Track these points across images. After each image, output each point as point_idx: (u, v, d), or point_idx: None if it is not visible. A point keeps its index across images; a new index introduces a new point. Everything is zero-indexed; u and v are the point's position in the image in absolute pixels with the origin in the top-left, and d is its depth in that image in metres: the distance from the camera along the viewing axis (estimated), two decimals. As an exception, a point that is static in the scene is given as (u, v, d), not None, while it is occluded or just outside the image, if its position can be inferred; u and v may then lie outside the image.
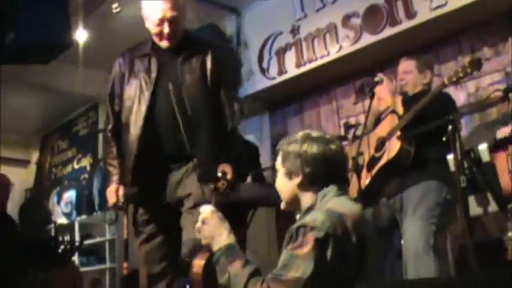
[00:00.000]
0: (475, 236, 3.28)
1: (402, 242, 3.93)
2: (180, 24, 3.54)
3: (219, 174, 2.90)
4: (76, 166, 10.01)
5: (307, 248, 2.09)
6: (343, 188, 2.46)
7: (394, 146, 3.94)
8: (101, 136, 9.03)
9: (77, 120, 10.03)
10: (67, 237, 6.65)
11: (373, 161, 4.04)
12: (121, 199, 3.53)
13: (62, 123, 10.40)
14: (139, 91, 3.53)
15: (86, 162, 9.74)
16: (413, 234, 3.74)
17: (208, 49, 3.61)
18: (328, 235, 2.11)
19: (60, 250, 5.91)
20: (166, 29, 3.48)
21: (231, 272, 2.21)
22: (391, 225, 4.15)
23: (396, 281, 4.02)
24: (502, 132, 3.95)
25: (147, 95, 3.49)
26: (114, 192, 3.56)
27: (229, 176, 3.03)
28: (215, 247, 2.33)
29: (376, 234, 4.03)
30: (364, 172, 4.03)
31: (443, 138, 3.58)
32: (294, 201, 2.47)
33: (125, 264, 4.51)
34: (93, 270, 8.45)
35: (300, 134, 2.49)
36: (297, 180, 2.40)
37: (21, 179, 10.19)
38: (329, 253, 2.10)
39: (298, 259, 2.09)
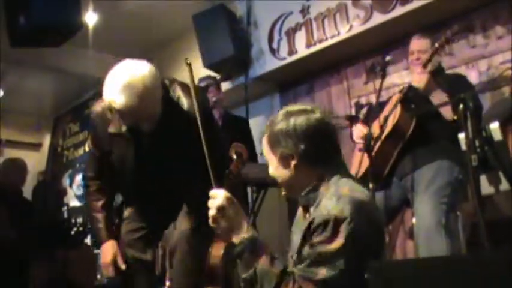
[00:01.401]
0: (486, 214, 3.26)
1: (414, 221, 3.94)
2: (147, 112, 3.06)
3: (234, 156, 2.82)
4: (87, 149, 10.04)
5: (337, 243, 2.01)
6: (344, 165, 2.38)
7: (395, 115, 3.97)
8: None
9: (88, 103, 10.04)
10: (80, 220, 6.69)
11: (378, 139, 4.05)
12: (121, 266, 3.28)
13: (73, 106, 10.44)
14: (124, 166, 3.29)
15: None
16: (425, 213, 3.74)
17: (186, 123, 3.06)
18: (357, 226, 2.04)
19: (72, 232, 5.96)
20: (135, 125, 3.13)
21: (258, 268, 2.09)
22: (402, 205, 4.16)
23: (408, 260, 4.02)
24: None
25: (130, 169, 3.27)
26: (109, 264, 3.27)
27: (245, 156, 2.89)
28: (236, 239, 2.17)
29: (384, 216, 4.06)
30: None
31: (455, 117, 3.57)
32: (295, 186, 2.33)
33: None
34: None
35: (280, 112, 2.36)
36: (294, 162, 2.27)
37: (34, 162, 10.25)
38: (357, 245, 2.03)
39: (328, 255, 2.01)
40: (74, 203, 9.19)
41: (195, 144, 2.68)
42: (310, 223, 2.13)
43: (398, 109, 3.99)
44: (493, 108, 4.61)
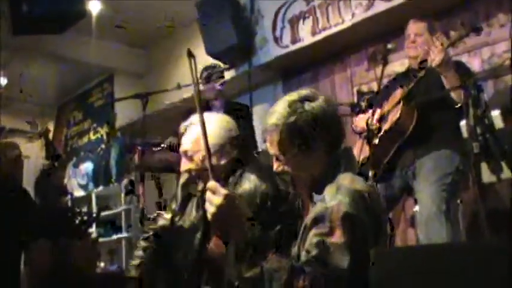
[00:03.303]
0: (488, 203, 3.26)
1: (415, 209, 3.94)
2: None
3: None
4: (92, 137, 10.05)
5: (339, 236, 1.97)
6: (349, 153, 2.35)
7: (396, 112, 3.98)
8: (117, 105, 9.08)
9: (92, 91, 10.04)
10: (84, 209, 6.68)
11: (378, 130, 4.05)
12: None
13: (77, 94, 10.42)
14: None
15: (102, 133, 9.77)
16: (425, 200, 3.75)
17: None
18: (355, 218, 2.01)
19: (76, 221, 5.96)
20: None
21: (266, 266, 1.94)
22: (402, 194, 4.17)
23: (408, 247, 4.02)
24: None
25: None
26: None
27: None
28: (236, 236, 2.02)
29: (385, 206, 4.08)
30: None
31: (458, 105, 3.57)
32: (314, 177, 2.25)
33: (142, 232, 4.55)
34: (110, 240, 8.53)
35: (284, 103, 2.24)
36: (319, 151, 2.21)
37: (37, 151, 10.25)
38: (357, 236, 1.99)
39: (332, 249, 1.97)
40: (79, 192, 9.19)
41: None
42: (311, 217, 2.10)
43: (400, 106, 3.99)
44: (496, 96, 4.61)
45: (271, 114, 2.27)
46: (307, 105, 2.21)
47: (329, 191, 2.13)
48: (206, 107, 5.42)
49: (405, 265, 1.90)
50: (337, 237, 1.98)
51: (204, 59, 6.85)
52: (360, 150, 3.93)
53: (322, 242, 1.99)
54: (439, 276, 1.80)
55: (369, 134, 3.86)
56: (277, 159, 2.30)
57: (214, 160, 2.69)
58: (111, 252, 8.44)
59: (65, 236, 5.63)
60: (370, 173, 3.71)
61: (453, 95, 3.80)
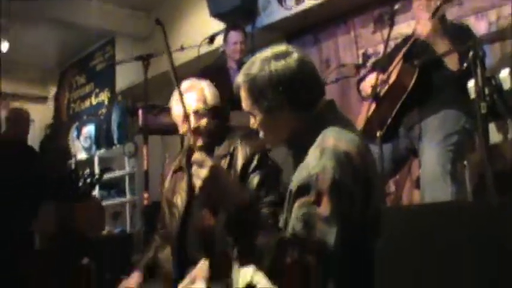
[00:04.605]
0: (494, 164, 3.24)
1: (420, 170, 3.93)
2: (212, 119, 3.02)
3: None
4: (94, 101, 10.06)
5: (325, 206, 1.90)
6: (332, 107, 2.22)
7: (397, 69, 3.96)
8: (118, 68, 9.08)
9: (94, 55, 10.03)
10: (87, 171, 6.67)
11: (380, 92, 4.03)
12: None
13: (79, 58, 10.41)
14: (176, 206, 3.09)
15: (104, 96, 9.78)
16: (431, 160, 3.73)
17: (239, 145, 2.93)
18: (342, 185, 1.92)
19: (80, 183, 5.97)
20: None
21: (255, 242, 1.90)
22: (408, 155, 4.16)
23: (412, 206, 4.02)
24: None
25: (180, 212, 3.03)
26: None
27: None
28: (224, 208, 1.98)
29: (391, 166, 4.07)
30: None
31: (465, 65, 3.54)
32: (285, 137, 2.18)
33: (145, 195, 4.55)
34: (113, 204, 8.57)
35: (255, 60, 2.16)
36: (283, 112, 2.11)
37: (40, 115, 10.26)
38: (344, 203, 1.92)
39: (319, 221, 1.89)
40: (82, 155, 9.23)
41: None
42: (296, 185, 2.02)
43: (400, 63, 3.98)
44: (504, 59, 4.58)
45: (242, 70, 2.21)
46: (273, 64, 2.11)
47: (312, 154, 2.04)
48: (224, 68, 5.45)
49: (410, 223, 1.89)
50: (324, 208, 1.91)
51: (208, 20, 6.83)
52: (367, 112, 3.90)
53: (308, 214, 1.93)
54: (443, 233, 1.79)
55: (376, 96, 3.81)
56: (252, 116, 2.23)
57: None
58: (114, 216, 8.46)
59: (69, 198, 5.67)
60: (378, 133, 3.69)
61: (449, 63, 3.77)
